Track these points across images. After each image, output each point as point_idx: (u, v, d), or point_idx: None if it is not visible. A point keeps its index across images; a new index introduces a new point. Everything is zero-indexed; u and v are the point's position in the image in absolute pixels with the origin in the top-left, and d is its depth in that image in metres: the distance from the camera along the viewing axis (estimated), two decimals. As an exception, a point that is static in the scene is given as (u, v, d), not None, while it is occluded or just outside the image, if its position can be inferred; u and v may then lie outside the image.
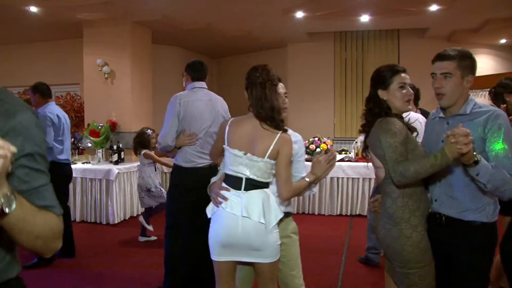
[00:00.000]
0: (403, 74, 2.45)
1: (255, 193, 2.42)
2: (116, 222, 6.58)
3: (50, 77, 9.34)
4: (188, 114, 3.70)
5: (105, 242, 5.76)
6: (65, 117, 5.07)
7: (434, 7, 6.92)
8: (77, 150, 7.65)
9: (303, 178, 2.57)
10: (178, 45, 9.89)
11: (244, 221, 2.38)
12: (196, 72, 3.88)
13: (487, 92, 4.56)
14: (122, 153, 7.05)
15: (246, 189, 2.42)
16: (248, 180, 2.42)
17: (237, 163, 2.44)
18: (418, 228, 2.26)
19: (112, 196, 6.54)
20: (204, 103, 3.75)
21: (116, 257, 5.14)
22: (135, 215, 7.04)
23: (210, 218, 2.52)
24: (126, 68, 7.73)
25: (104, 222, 6.61)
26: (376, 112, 2.44)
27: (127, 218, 6.87)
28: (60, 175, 4.86)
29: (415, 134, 2.43)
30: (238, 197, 2.41)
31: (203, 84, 3.86)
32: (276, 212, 2.43)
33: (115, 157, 6.94)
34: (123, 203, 6.78)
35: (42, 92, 4.94)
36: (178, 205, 3.80)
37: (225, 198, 2.44)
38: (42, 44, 9.44)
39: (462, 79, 2.23)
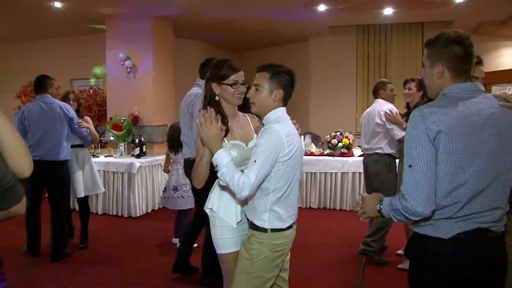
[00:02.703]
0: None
1: None
2: (138, 215, 6.63)
3: (74, 72, 9.51)
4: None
5: (127, 235, 5.81)
6: (28, 113, 4.72)
7: (460, -1, 6.76)
8: (99, 144, 7.73)
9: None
10: (200, 39, 9.89)
11: None
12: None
13: None
14: (144, 146, 7.10)
15: None
16: None
17: None
18: None
19: (134, 189, 6.59)
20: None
21: (138, 250, 5.18)
22: (156, 208, 7.09)
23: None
24: (148, 62, 7.77)
25: (126, 215, 6.67)
26: None
27: (149, 211, 6.92)
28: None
29: None
30: None
31: (197, 80, 4.21)
32: (213, 202, 2.50)
33: (137, 151, 6.99)
34: (145, 196, 6.83)
35: (33, 86, 4.94)
36: None
37: None
38: (65, 39, 9.56)
39: (431, 68, 1.93)
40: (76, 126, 4.90)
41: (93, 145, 7.14)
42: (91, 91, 8.88)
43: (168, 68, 8.19)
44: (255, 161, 2.13)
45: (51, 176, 4.73)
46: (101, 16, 7.80)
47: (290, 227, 2.33)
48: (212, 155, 2.21)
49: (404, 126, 4.38)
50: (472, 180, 1.79)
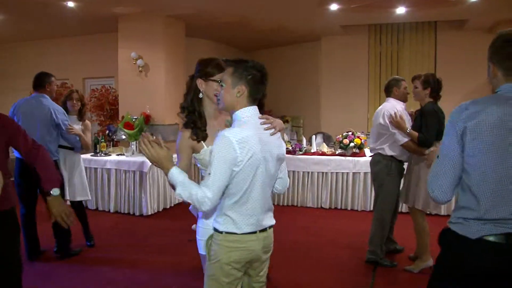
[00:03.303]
0: None
1: None
2: (149, 213, 6.64)
3: (86, 70, 9.59)
4: None
5: (138, 233, 5.83)
6: (19, 109, 4.66)
7: (474, -3, 6.69)
8: (111, 142, 7.77)
9: None
10: (212, 38, 9.91)
11: None
12: None
13: None
14: (156, 145, 7.10)
15: None
16: None
17: None
18: None
19: (146, 188, 6.61)
20: None
21: (149, 248, 5.19)
22: (168, 207, 7.11)
23: None
24: (160, 61, 7.80)
25: (138, 214, 6.69)
26: None
27: (160, 210, 6.93)
28: None
29: None
30: None
31: None
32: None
33: (148, 150, 7.00)
34: (157, 195, 6.84)
35: (32, 83, 4.80)
36: None
37: None
38: (78, 38, 9.64)
39: (488, 69, 1.95)
40: (64, 132, 4.73)
41: (104, 144, 7.19)
42: (103, 90, 8.94)
43: (180, 67, 8.22)
44: (209, 174, 2.08)
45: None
46: (113, 16, 7.85)
47: (251, 233, 2.19)
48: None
49: (407, 131, 4.27)
50: (496, 184, 1.77)
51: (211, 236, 2.26)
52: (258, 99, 2.25)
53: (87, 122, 5.21)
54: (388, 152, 4.50)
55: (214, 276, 2.20)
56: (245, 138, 2.09)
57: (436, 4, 7.24)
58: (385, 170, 4.51)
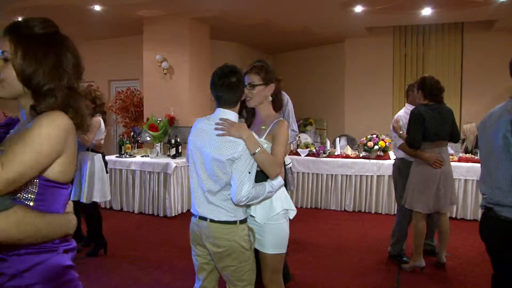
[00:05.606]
0: None
1: None
2: (173, 215, 6.70)
3: (111, 73, 9.72)
4: None
5: (162, 234, 5.88)
6: None
7: (503, -3, 6.55)
8: (136, 144, 7.86)
9: None
10: (236, 40, 9.95)
11: None
12: None
13: None
14: (180, 147, 7.17)
15: None
16: None
17: None
18: None
19: (170, 189, 6.67)
20: None
21: (172, 249, 5.23)
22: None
23: None
24: (185, 63, 7.86)
25: (162, 215, 6.75)
26: None
27: (184, 211, 6.98)
28: None
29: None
30: None
31: None
32: None
33: (173, 151, 7.07)
34: (181, 196, 6.90)
35: None
36: None
37: None
38: (104, 41, 9.80)
39: None
40: None
41: (129, 145, 7.27)
42: (128, 92, 9.05)
43: (204, 69, 8.27)
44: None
45: None
46: (139, 19, 7.95)
47: (196, 216, 2.53)
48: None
49: (400, 133, 4.43)
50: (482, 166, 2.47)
51: None
52: (219, 101, 2.46)
53: (94, 118, 4.77)
54: (397, 155, 4.79)
55: None
56: (192, 129, 2.53)
57: (463, 5, 7.12)
58: (396, 171, 4.81)
